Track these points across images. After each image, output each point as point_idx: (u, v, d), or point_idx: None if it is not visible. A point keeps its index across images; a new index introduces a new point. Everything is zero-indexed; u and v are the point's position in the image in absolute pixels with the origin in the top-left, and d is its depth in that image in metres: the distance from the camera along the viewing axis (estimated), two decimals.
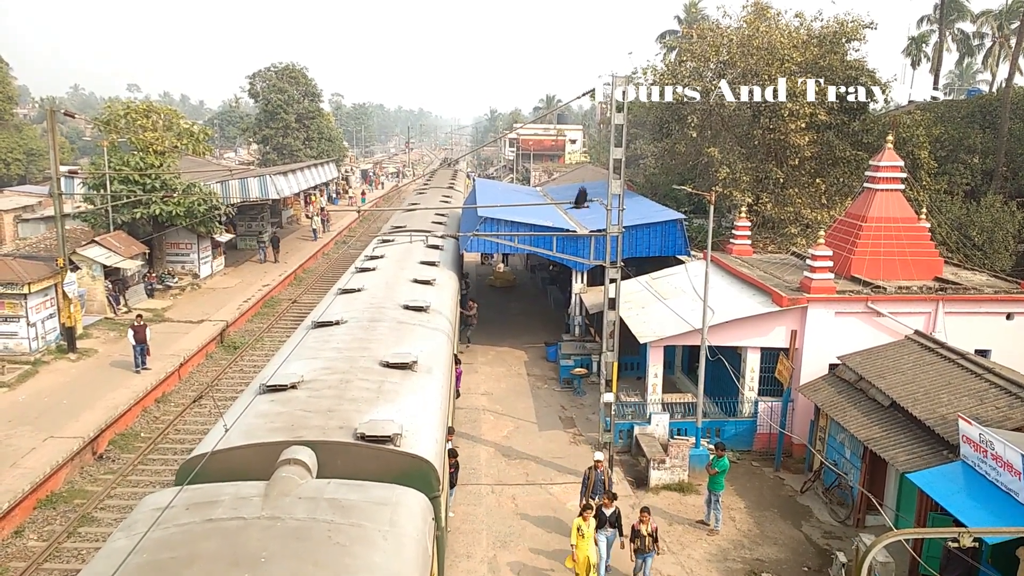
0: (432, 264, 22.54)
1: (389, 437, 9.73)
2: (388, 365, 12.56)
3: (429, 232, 27.99)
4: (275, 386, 11.49)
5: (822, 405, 17.26)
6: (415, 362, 12.82)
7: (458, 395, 21.83)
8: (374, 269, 21.03)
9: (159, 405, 22.63)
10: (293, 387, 11.51)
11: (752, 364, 19.96)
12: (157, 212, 32.42)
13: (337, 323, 15.10)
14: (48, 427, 19.59)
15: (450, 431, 15.18)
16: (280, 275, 38.54)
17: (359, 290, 18.15)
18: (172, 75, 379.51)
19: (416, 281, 19.64)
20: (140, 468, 18.67)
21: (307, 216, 55.67)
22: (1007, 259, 29.63)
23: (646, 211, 28.63)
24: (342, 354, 13.13)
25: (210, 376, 25.12)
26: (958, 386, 15.03)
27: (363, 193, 78.24)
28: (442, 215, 34.34)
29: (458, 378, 21.46)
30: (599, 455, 15.96)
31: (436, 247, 25.63)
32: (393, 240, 26.69)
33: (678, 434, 19.20)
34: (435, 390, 12.58)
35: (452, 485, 15.51)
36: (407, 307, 16.63)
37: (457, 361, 19.80)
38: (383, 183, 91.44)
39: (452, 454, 15.33)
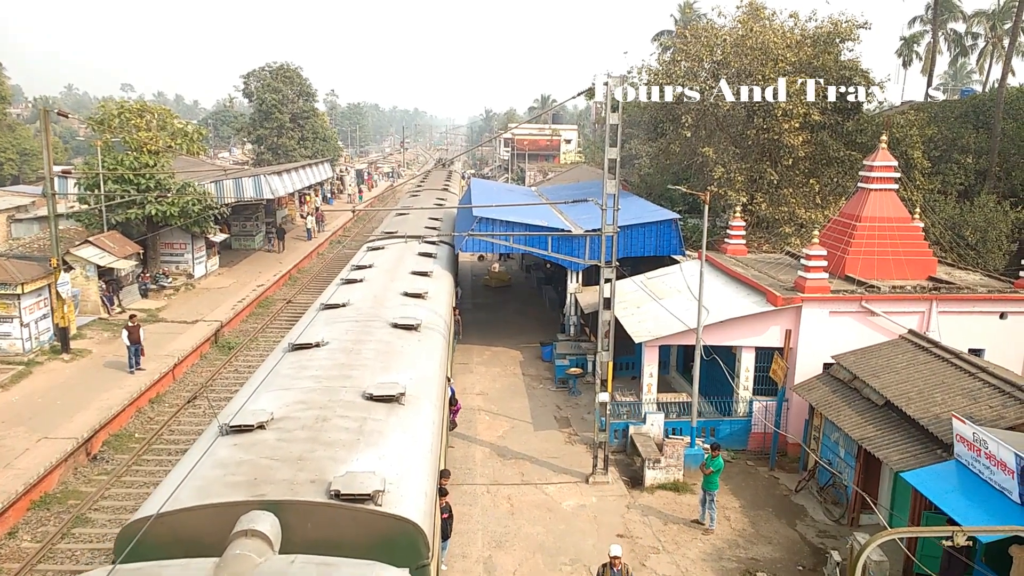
0: (424, 274, 20.77)
1: (369, 495, 8.34)
2: (372, 398, 11.02)
3: (421, 237, 26.59)
4: (239, 427, 9.92)
5: (816, 404, 17.30)
6: (403, 394, 11.26)
7: (454, 426, 19.83)
8: (361, 281, 19.42)
9: (153, 406, 22.56)
10: (260, 427, 9.95)
11: (747, 363, 20.00)
12: (151, 212, 32.34)
13: (317, 345, 13.54)
14: (42, 428, 19.52)
15: (444, 474, 13.41)
16: (275, 275, 38.47)
17: (343, 305, 16.59)
18: (166, 75, 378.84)
19: (407, 294, 17.90)
20: (134, 469, 18.60)
21: (301, 216, 55.58)
22: (1000, 258, 29.75)
23: (641, 211, 28.67)
24: (320, 384, 11.60)
25: (204, 376, 25.05)
26: (952, 385, 15.08)
27: (360, 191, 78.61)
28: (436, 219, 32.49)
29: (454, 411, 19.52)
30: (616, 550, 12.57)
31: (429, 255, 23.93)
32: (383, 247, 24.93)
33: (673, 433, 19.24)
34: (425, 427, 11.08)
35: (445, 537, 13.77)
36: (396, 325, 14.99)
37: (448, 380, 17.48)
38: (375, 182, 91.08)
39: (445, 500, 13.30)
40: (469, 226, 26.29)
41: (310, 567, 7.37)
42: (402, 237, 26.62)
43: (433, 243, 26.14)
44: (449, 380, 17.08)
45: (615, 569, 12.41)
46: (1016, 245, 30.81)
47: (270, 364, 12.92)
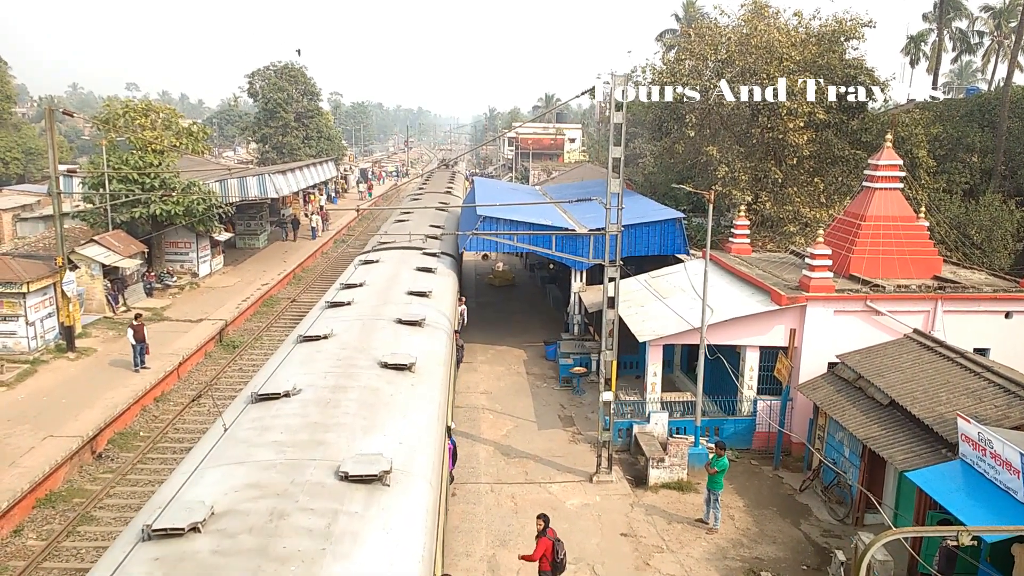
0: (422, 295, 17.93)
1: None
2: (348, 478, 8.47)
3: (421, 249, 24.00)
4: (165, 530, 7.35)
5: (821, 404, 17.27)
6: (387, 472, 8.67)
7: (451, 480, 16.49)
8: (349, 303, 16.61)
9: (158, 404, 22.63)
10: (194, 529, 7.40)
11: (751, 363, 19.98)
12: (156, 211, 32.41)
13: (286, 395, 10.94)
14: (47, 426, 19.59)
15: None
16: (279, 274, 38.54)
17: (325, 337, 13.94)
18: (171, 74, 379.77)
19: (401, 321, 15.17)
20: (139, 467, 18.66)
21: (306, 215, 55.68)
22: (1006, 258, 29.67)
23: (645, 210, 28.65)
24: (283, 456, 9.03)
25: (209, 375, 25.12)
26: (957, 385, 15.05)
27: (371, 187, 79.07)
28: (438, 226, 29.84)
29: (452, 457, 16.20)
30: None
31: (428, 269, 21.26)
32: (378, 260, 22.12)
33: (677, 433, 19.23)
34: (417, 520, 8.48)
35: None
36: (386, 365, 12.34)
37: (450, 430, 14.82)
38: (373, 183, 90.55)
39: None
40: (473, 225, 26.30)
41: None
42: (399, 248, 24.35)
43: (434, 255, 23.69)
44: (450, 430, 14.88)
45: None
46: (1022, 244, 30.72)
47: (226, 420, 10.29)
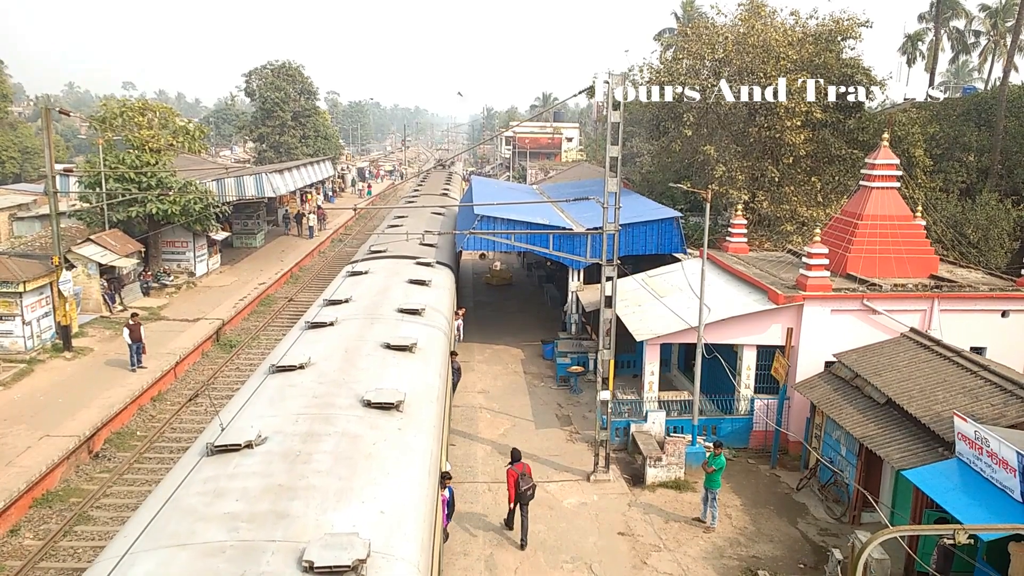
0: (415, 312, 15.84)
1: None
2: (314, 570, 6.79)
3: (415, 258, 22.06)
4: None
5: (818, 402, 17.30)
6: (363, 561, 6.97)
7: (446, 537, 14.84)
8: (331, 324, 14.55)
9: (155, 403, 22.60)
10: None
11: (748, 361, 20.00)
12: (153, 210, 32.36)
13: (249, 446, 9.10)
14: (44, 425, 19.55)
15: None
16: (276, 273, 38.50)
17: (301, 367, 11.92)
18: (168, 73, 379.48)
19: (389, 346, 13.19)
20: (136, 467, 18.63)
21: (303, 214, 55.65)
22: (1002, 257, 29.73)
23: (642, 209, 28.68)
24: (236, 534, 7.40)
25: (206, 374, 25.09)
26: (953, 383, 15.08)
27: (369, 186, 79.40)
28: (433, 232, 27.24)
29: (448, 508, 14.42)
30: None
31: (422, 281, 19.06)
32: (367, 271, 20.06)
33: (674, 432, 19.25)
34: None
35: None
36: (370, 404, 10.47)
37: (445, 480, 13.10)
38: (371, 183, 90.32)
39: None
40: (471, 224, 26.29)
41: None
42: (390, 257, 22.41)
43: (428, 264, 21.76)
44: (445, 479, 13.11)
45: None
46: (1018, 243, 30.78)
47: (175, 479, 8.59)
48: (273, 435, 9.41)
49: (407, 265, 21.03)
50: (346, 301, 16.52)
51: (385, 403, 10.52)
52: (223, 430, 9.39)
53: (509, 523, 15.68)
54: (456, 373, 21.37)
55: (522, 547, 15.05)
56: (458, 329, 25.13)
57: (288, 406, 10.40)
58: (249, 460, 8.80)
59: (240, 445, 9.07)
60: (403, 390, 11.04)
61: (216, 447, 9.07)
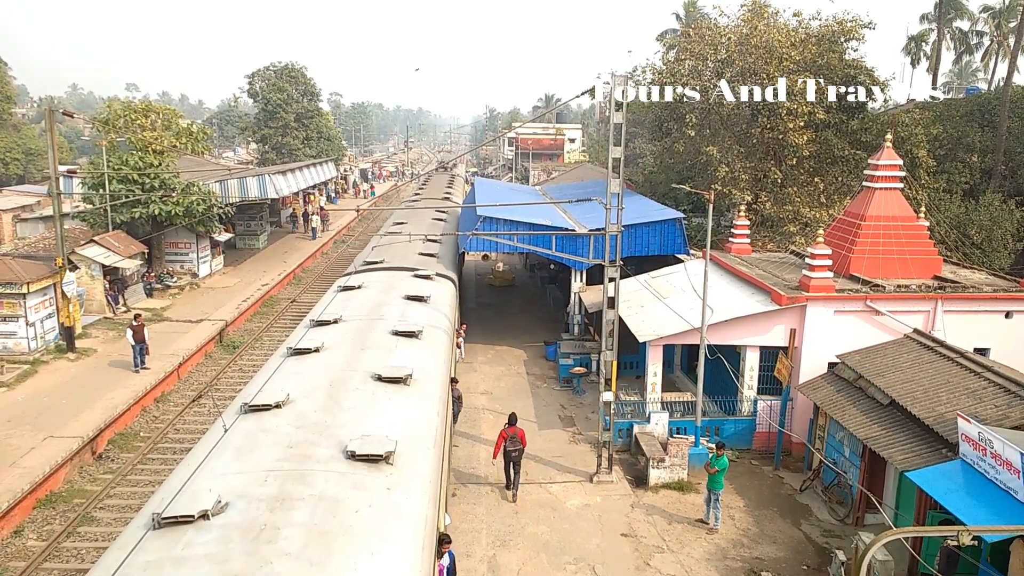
0: (411, 335, 14.06)
1: None
2: None
3: (414, 270, 20.47)
4: None
5: (821, 404, 17.27)
6: None
7: None
8: (317, 350, 12.83)
9: (158, 405, 22.63)
10: None
11: (751, 363, 19.98)
12: (156, 212, 32.42)
13: (205, 516, 7.46)
14: (47, 427, 19.58)
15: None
16: (279, 274, 38.55)
17: (278, 405, 10.28)
18: (171, 74, 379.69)
19: (380, 379, 11.54)
20: (140, 468, 18.66)
21: (306, 214, 55.75)
22: (1006, 257, 29.69)
23: (645, 210, 28.67)
24: None
25: (209, 376, 25.12)
26: (957, 384, 15.05)
27: (372, 187, 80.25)
28: (434, 239, 26.08)
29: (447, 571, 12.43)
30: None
31: (420, 298, 17.10)
32: (360, 286, 18.12)
33: (677, 433, 19.22)
34: None
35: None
36: (354, 456, 8.89)
37: (443, 546, 11.54)
38: (374, 183, 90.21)
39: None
40: (473, 225, 26.31)
41: None
42: (386, 269, 20.81)
43: (427, 277, 19.95)
44: (443, 544, 11.50)
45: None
46: (1022, 244, 30.73)
47: (112, 562, 6.94)
48: (236, 500, 7.80)
49: (404, 278, 19.39)
50: (335, 322, 14.84)
51: (373, 455, 8.95)
52: (177, 493, 7.79)
53: (507, 484, 17.42)
54: (457, 402, 19.82)
55: (513, 500, 16.98)
56: (459, 347, 23.93)
57: (257, 459, 8.80)
58: (202, 537, 7.19)
59: (193, 516, 7.41)
60: (394, 436, 9.44)
61: (164, 519, 7.41)
